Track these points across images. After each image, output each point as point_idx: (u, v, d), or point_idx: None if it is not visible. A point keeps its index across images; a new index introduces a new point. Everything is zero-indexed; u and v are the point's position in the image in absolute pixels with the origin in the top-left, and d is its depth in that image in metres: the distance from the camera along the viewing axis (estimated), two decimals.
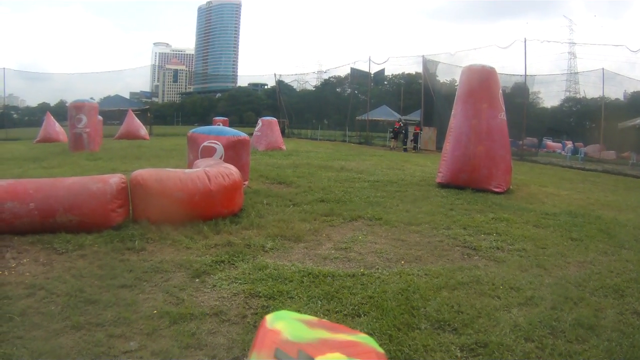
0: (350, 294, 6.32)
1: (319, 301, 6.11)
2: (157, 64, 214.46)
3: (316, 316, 5.36)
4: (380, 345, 4.76)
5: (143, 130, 42.24)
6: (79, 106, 26.72)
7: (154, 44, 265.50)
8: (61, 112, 44.71)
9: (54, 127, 39.27)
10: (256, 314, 5.83)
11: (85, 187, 9.06)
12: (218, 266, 7.50)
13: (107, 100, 62.84)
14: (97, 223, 8.88)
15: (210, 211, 9.65)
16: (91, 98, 29.13)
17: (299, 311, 5.50)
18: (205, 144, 13.47)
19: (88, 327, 5.48)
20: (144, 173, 9.54)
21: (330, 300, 6.12)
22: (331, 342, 1.79)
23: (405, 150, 38.86)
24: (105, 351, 4.98)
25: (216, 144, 13.40)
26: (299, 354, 1.66)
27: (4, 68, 55.80)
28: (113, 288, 6.59)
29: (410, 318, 5.67)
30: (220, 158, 13.01)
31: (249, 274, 7.16)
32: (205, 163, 11.35)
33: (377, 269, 7.47)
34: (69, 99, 58.84)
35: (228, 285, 6.78)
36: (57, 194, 8.96)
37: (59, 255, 8.02)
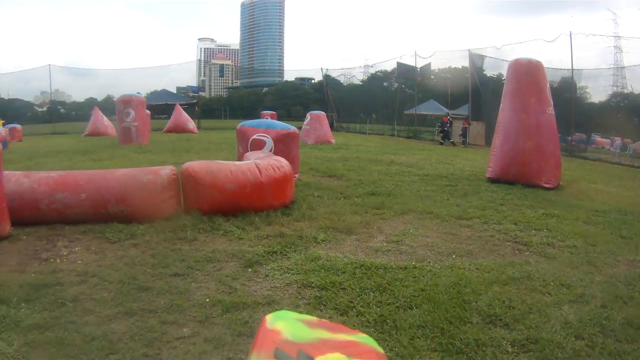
0: (403, 286, 6.26)
1: (371, 293, 6.06)
2: (202, 59, 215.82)
3: (368, 308, 5.40)
4: (432, 338, 4.80)
5: (191, 124, 42.55)
6: (126, 100, 27.15)
7: (199, 39, 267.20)
8: (108, 106, 45.30)
9: (102, 121, 40.04)
10: (309, 304, 5.83)
11: (136, 179, 9.22)
12: (270, 257, 7.52)
13: (155, 94, 63.30)
14: (148, 213, 9.00)
15: (261, 203, 9.66)
16: (137, 92, 29.40)
17: (351, 302, 5.62)
18: (254, 136, 13.47)
19: (141, 313, 5.57)
20: (195, 165, 9.59)
21: (383, 292, 6.06)
22: (331, 342, 1.82)
23: (453, 144, 38.32)
24: (158, 337, 5.06)
25: (265, 137, 13.40)
26: (299, 354, 1.68)
27: (49, 64, 57.48)
28: (166, 276, 6.70)
29: (462, 312, 5.60)
30: (270, 151, 13.00)
31: (302, 264, 7.16)
32: (255, 155, 11.34)
33: (429, 262, 7.40)
34: (116, 94, 59.72)
35: (280, 275, 6.79)
36: (108, 185, 9.14)
37: (111, 244, 8.18)
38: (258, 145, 13.27)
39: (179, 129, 40.13)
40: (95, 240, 8.40)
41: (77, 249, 8.09)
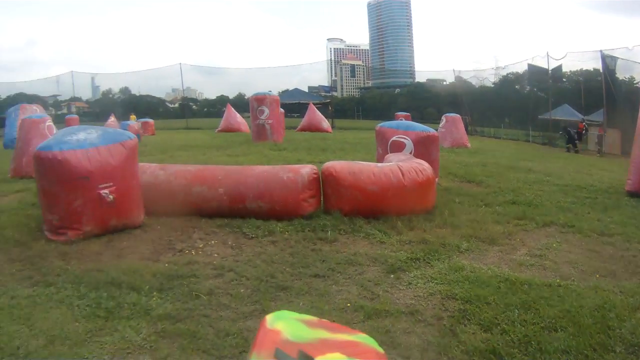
0: (547, 305, 5.86)
1: (515, 310, 5.69)
2: (332, 59, 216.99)
3: (513, 326, 5.19)
4: None
5: (325, 123, 42.38)
6: (260, 99, 27.30)
7: (328, 39, 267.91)
8: (240, 104, 46.53)
9: (235, 117, 40.70)
10: (453, 317, 5.57)
11: (277, 176, 9.22)
12: (413, 263, 7.27)
13: (287, 93, 64.15)
14: (287, 211, 9.00)
15: (403, 207, 9.39)
16: (269, 91, 29.82)
17: (495, 319, 5.31)
18: (394, 138, 13.19)
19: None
20: (337, 165, 9.51)
21: (527, 311, 5.69)
22: (331, 342, 1.85)
23: (576, 151, 36.09)
24: None
25: (405, 139, 13.08)
26: (299, 354, 1.70)
27: (180, 63, 60.56)
28: (305, 276, 6.62)
29: (606, 339, 5.13)
30: (410, 153, 12.69)
31: (445, 274, 6.88)
32: (397, 158, 11.09)
33: (573, 280, 6.92)
34: (247, 92, 61.19)
35: (424, 284, 6.55)
36: (247, 181, 9.23)
37: (249, 240, 8.21)
38: (398, 147, 13.00)
39: (313, 128, 39.96)
40: (231, 235, 8.46)
41: (213, 242, 8.19)
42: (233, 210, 9.19)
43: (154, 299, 5.97)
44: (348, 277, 6.70)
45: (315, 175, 9.38)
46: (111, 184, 8.50)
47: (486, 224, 9.54)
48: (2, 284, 6.85)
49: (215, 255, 7.56)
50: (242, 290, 6.18)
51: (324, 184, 9.45)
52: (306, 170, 9.35)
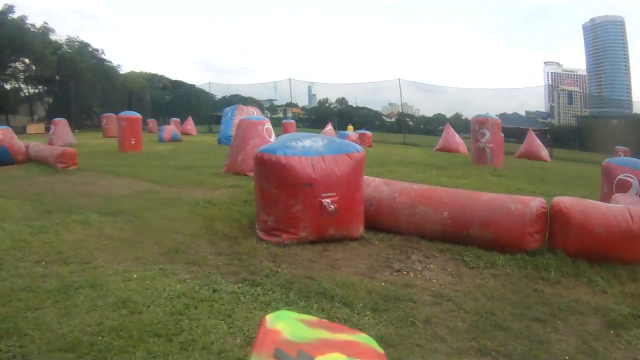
0: None
1: None
2: (549, 83, 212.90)
3: None
4: None
5: (544, 152, 40.83)
6: (482, 121, 26.97)
7: (545, 63, 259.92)
8: (456, 123, 46.67)
9: (454, 137, 40.46)
10: None
11: (504, 206, 8.85)
12: (634, 320, 6.49)
13: (505, 117, 63.81)
14: (510, 244, 8.61)
15: (627, 254, 8.54)
16: (486, 113, 29.39)
17: None
18: (620, 176, 12.45)
19: (495, 355, 5.17)
20: (567, 201, 8.90)
21: None
22: (331, 342, 1.85)
23: None
24: None
25: (632, 177, 12.30)
26: (299, 354, 1.70)
27: (399, 78, 61.55)
28: (525, 319, 6.21)
29: None
30: (637, 194, 11.90)
31: None
32: (625, 199, 10.30)
33: None
34: (464, 112, 61.01)
35: None
36: (474, 207, 8.96)
37: (469, 270, 7.94)
38: (623, 187, 12.24)
39: (532, 156, 38.66)
40: (451, 262, 8.24)
41: (432, 266, 8.00)
42: (455, 236, 8.99)
43: (367, 318, 5.91)
44: (568, 327, 6.22)
45: (543, 210, 8.87)
46: (334, 193, 8.68)
47: None
48: (206, 275, 7.15)
49: (434, 281, 7.37)
50: (459, 324, 5.91)
51: (551, 219, 8.91)
52: (535, 203, 8.88)
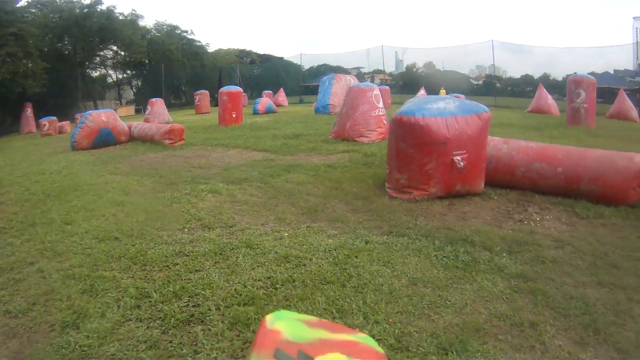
0: None
1: None
2: (638, 40, 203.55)
3: None
4: None
5: (634, 112, 39.82)
6: (578, 81, 26.87)
7: (634, 18, 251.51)
8: (545, 84, 45.02)
9: (546, 99, 39.86)
10: None
11: (613, 162, 9.41)
12: None
13: (596, 77, 62.58)
14: (615, 197, 9.24)
15: None
16: (574, 73, 28.99)
17: None
18: None
19: (611, 287, 5.97)
20: None
21: None
22: (331, 342, 1.85)
23: None
24: (626, 309, 5.42)
25: None
26: (299, 354, 1.72)
27: (491, 40, 59.86)
28: (632, 260, 6.94)
29: None
30: None
31: None
32: None
33: None
34: (552, 72, 59.02)
35: None
36: (585, 164, 9.52)
37: (580, 220, 8.65)
38: None
39: (621, 116, 38.11)
40: (564, 213, 8.95)
41: (548, 217, 8.72)
42: (567, 190, 9.62)
43: (504, 259, 6.70)
44: None
45: None
46: (464, 151, 9.34)
47: None
48: (352, 230, 7.82)
49: (553, 229, 8.12)
50: (579, 263, 6.72)
51: None
52: (639, 159, 9.42)
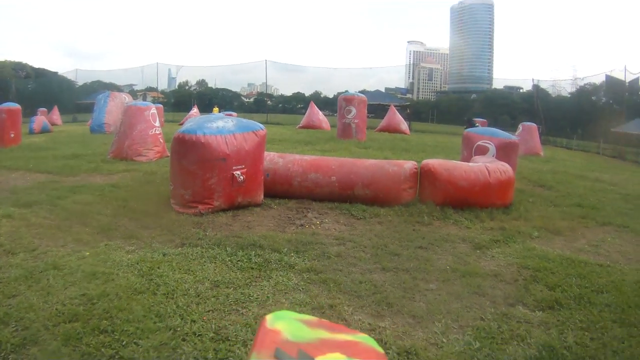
0: (597, 277, 7.07)
1: (573, 278, 6.93)
2: (411, 62, 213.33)
3: (570, 288, 6.62)
4: (615, 313, 5.92)
5: (404, 125, 42.87)
6: (349, 99, 28.62)
7: (409, 42, 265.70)
8: (316, 102, 47.00)
9: (318, 115, 41.79)
10: (526, 279, 6.88)
11: (383, 169, 10.61)
12: (494, 244, 8.58)
13: (367, 94, 64.98)
14: (389, 199, 10.41)
15: (486, 201, 10.61)
16: (346, 91, 30.84)
17: (558, 283, 6.70)
18: (479, 142, 14.54)
19: (395, 270, 6.95)
20: (435, 162, 10.78)
21: (582, 279, 6.92)
22: (331, 342, 1.81)
23: None
24: (411, 287, 6.39)
25: (489, 143, 14.39)
26: (299, 353, 1.68)
27: (265, 60, 63.38)
28: (411, 247, 8.00)
29: None
30: (493, 157, 13.73)
31: (520, 252, 8.15)
32: (483, 159, 12.27)
33: (620, 263, 8.06)
34: (324, 90, 60.88)
35: (504, 258, 7.85)
36: (357, 171, 10.59)
37: (357, 220, 9.63)
38: (482, 151, 14.27)
39: (392, 129, 40.58)
40: (342, 216, 9.84)
41: (327, 220, 9.54)
42: (342, 196, 10.58)
43: (293, 257, 7.32)
44: (444, 250, 8.08)
45: (415, 170, 10.77)
46: (243, 166, 9.92)
47: (554, 219, 10.73)
48: (148, 245, 7.92)
49: (333, 229, 8.96)
50: (362, 254, 7.59)
51: (422, 177, 10.78)
52: (408, 165, 10.74)
